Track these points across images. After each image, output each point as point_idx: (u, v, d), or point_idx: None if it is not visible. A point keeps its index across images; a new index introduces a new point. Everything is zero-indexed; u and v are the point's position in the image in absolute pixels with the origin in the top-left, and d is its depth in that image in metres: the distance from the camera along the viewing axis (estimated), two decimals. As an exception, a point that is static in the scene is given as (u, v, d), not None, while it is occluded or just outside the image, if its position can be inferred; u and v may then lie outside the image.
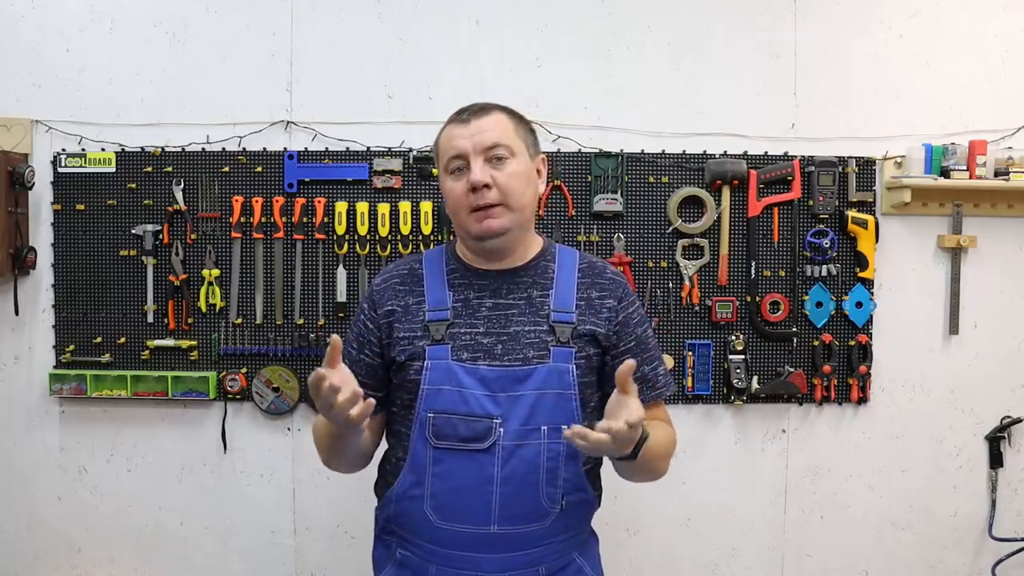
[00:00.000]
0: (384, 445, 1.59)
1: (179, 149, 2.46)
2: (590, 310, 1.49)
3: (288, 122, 2.48)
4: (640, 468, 1.41)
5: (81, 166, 2.46)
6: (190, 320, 2.48)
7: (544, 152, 1.59)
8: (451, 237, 2.43)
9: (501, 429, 1.39)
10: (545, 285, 1.49)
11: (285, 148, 2.47)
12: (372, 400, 1.29)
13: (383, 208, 2.43)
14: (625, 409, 1.25)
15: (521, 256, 1.51)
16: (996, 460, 2.56)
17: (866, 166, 2.51)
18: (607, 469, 1.57)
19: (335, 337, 1.29)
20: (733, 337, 2.49)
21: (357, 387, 1.29)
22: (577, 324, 1.46)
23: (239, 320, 2.47)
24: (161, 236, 2.46)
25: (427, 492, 1.43)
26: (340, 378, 1.26)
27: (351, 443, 1.46)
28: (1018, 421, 2.57)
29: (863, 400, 2.53)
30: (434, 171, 2.44)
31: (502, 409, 1.40)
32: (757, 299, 2.50)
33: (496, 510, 1.40)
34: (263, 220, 2.45)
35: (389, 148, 2.46)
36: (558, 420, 1.42)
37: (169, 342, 2.47)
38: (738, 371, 2.48)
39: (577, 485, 1.47)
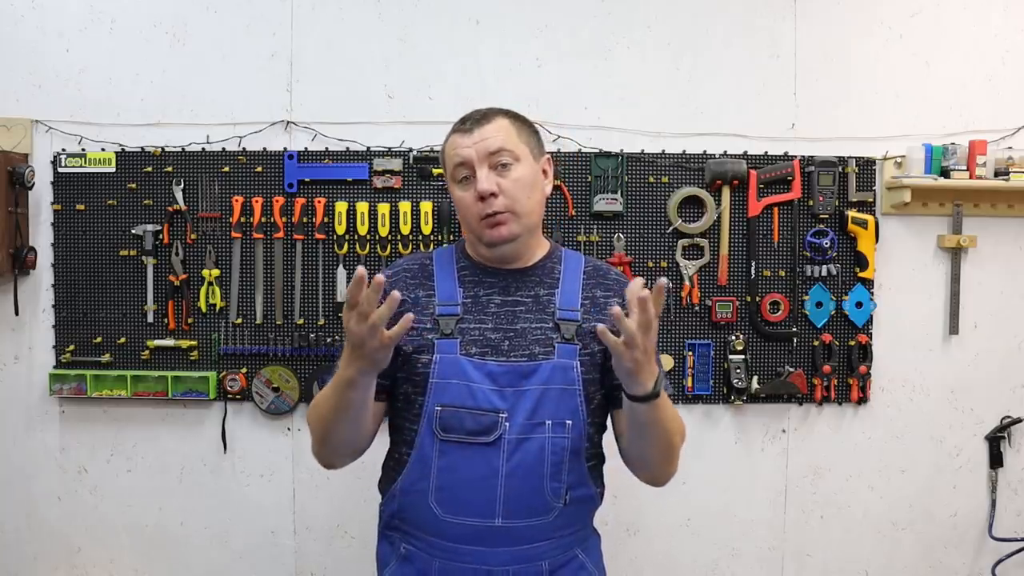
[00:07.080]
0: (386, 444, 1.58)
1: (179, 149, 2.46)
2: (595, 309, 1.51)
3: (288, 122, 2.48)
4: (658, 425, 1.39)
5: (81, 166, 2.46)
6: (190, 320, 2.47)
7: (547, 152, 1.59)
8: (451, 237, 2.45)
9: (507, 423, 1.42)
10: (551, 284, 1.52)
11: (285, 148, 2.47)
12: (410, 315, 1.26)
13: (383, 208, 2.43)
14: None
15: (529, 258, 1.55)
16: (996, 460, 2.56)
17: (866, 166, 2.51)
18: (609, 467, 1.58)
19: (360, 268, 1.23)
20: (733, 337, 2.49)
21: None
22: (582, 322, 1.49)
23: (239, 320, 2.47)
24: (161, 236, 2.46)
25: (432, 485, 1.44)
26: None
27: (356, 411, 1.40)
28: (1018, 421, 2.57)
29: (863, 400, 2.53)
30: (435, 171, 2.44)
31: (508, 403, 1.43)
32: (757, 299, 2.50)
33: (501, 503, 1.42)
34: (263, 220, 2.45)
35: (389, 148, 2.46)
36: (562, 415, 1.44)
37: (169, 342, 2.47)
38: (738, 371, 2.48)
39: (580, 481, 1.48)
